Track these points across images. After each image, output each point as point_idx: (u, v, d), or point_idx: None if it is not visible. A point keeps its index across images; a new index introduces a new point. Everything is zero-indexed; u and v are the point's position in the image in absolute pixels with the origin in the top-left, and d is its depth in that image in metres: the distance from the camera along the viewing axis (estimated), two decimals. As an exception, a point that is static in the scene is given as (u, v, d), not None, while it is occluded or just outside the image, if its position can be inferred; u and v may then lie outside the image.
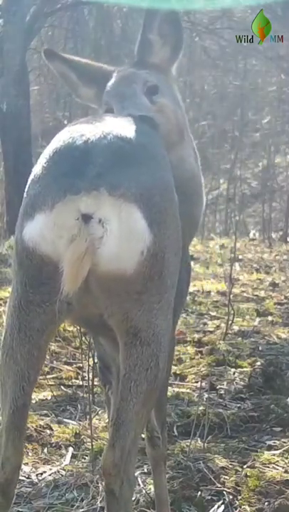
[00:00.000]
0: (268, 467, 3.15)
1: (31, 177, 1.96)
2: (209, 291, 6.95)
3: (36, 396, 3.98)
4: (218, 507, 2.85)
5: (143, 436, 2.57)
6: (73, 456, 3.30)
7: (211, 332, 5.43)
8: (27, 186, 1.96)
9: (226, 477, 3.04)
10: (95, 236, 1.82)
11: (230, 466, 3.15)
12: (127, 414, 1.91)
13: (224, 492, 2.93)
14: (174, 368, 4.32)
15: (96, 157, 1.88)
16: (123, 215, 1.84)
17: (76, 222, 1.83)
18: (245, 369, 4.49)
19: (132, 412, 1.91)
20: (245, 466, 3.16)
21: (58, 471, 3.15)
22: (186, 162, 2.51)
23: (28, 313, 1.93)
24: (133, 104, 2.38)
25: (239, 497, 2.91)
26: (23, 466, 2.98)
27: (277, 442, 3.44)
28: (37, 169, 1.95)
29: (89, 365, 3.68)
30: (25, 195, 1.96)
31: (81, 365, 4.36)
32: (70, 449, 3.37)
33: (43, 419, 3.64)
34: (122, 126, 2.00)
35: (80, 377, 4.32)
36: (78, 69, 2.63)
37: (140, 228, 1.87)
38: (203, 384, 4.13)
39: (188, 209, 2.47)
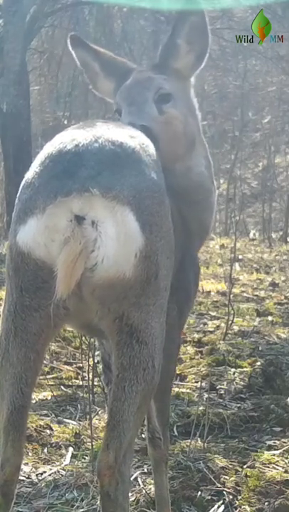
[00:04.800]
0: (268, 467, 3.15)
1: (23, 183, 1.95)
2: (209, 291, 6.95)
3: (36, 396, 3.98)
4: (218, 507, 2.85)
5: (143, 436, 2.57)
6: (73, 456, 3.30)
7: (211, 332, 5.43)
8: (19, 192, 1.96)
9: (226, 477, 3.04)
10: (88, 238, 1.82)
11: (230, 466, 3.14)
12: (121, 415, 1.90)
13: (224, 492, 2.93)
14: (174, 368, 4.31)
15: (87, 160, 1.87)
16: (117, 217, 1.83)
17: (69, 224, 1.82)
18: (245, 369, 4.49)
19: (126, 413, 1.90)
20: (245, 466, 3.15)
21: (58, 471, 3.14)
22: (193, 171, 2.51)
23: (23, 317, 1.93)
24: (139, 112, 2.37)
25: (239, 497, 2.91)
26: (23, 466, 2.98)
27: (277, 442, 3.44)
28: (28, 175, 1.95)
29: (89, 365, 3.68)
30: (17, 201, 1.95)
31: (81, 365, 4.36)
32: (70, 449, 3.37)
33: (43, 419, 3.64)
34: (113, 131, 2.00)
35: (80, 377, 4.32)
36: (102, 60, 2.62)
37: (134, 231, 1.86)
38: (203, 384, 4.13)
39: (198, 214, 2.50)
